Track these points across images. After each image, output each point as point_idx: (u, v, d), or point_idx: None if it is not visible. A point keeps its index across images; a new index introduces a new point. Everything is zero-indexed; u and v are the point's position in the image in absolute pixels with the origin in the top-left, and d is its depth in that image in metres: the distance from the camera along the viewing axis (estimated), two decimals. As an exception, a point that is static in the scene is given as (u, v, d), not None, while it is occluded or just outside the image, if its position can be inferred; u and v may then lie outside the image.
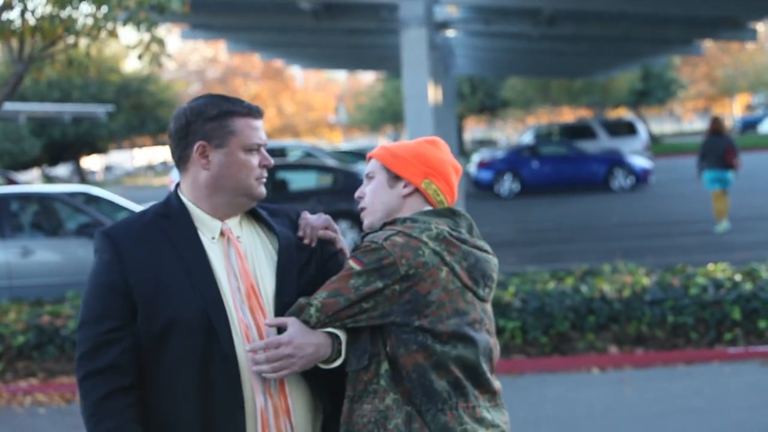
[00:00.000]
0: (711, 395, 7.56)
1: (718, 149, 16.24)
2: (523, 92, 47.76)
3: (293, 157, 26.30)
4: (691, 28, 22.56)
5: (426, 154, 2.99)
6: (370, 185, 3.02)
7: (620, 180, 26.95)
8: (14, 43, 9.39)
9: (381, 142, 72.82)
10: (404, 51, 15.07)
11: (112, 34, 9.21)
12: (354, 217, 16.22)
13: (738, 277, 9.04)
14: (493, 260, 2.99)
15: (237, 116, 2.82)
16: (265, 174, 2.89)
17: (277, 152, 25.51)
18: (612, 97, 45.86)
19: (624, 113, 55.22)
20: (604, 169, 27.14)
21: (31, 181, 42.73)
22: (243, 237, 2.89)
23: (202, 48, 62.15)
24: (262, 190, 2.88)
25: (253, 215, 2.96)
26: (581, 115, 55.24)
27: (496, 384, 2.94)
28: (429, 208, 2.98)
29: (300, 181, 17.10)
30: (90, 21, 9.11)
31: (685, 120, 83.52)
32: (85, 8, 9.18)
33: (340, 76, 73.72)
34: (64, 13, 9.01)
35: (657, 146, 46.84)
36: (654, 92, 51.44)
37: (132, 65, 54.90)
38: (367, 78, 66.53)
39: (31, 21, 9.11)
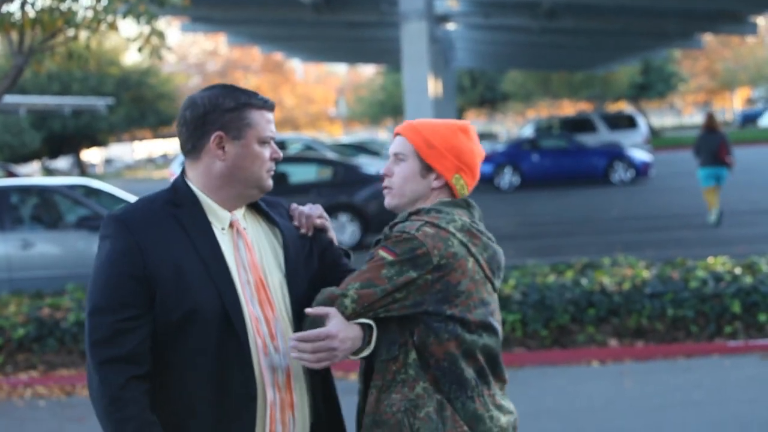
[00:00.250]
0: (711, 388, 7.56)
1: (711, 146, 16.26)
2: (523, 85, 47.77)
3: (293, 150, 26.29)
4: (691, 21, 22.55)
5: (460, 148, 3.00)
6: (401, 168, 3.00)
7: (620, 173, 26.94)
8: (14, 35, 9.38)
9: (381, 135, 72.76)
10: (404, 44, 15.07)
11: (112, 26, 9.19)
12: (353, 210, 16.22)
13: (738, 271, 9.04)
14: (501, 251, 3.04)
15: (253, 109, 2.83)
16: (274, 166, 2.89)
17: (278, 145, 25.33)
18: (612, 91, 45.86)
19: (624, 106, 55.19)
20: (604, 163, 27.14)
21: (31, 174, 42.72)
22: (248, 228, 2.89)
23: (202, 41, 62.13)
24: (271, 182, 2.88)
25: (254, 207, 2.96)
26: (581, 109, 55.25)
27: (506, 374, 2.99)
28: (449, 198, 3.00)
29: (300, 174, 17.09)
30: (90, 13, 9.09)
31: (685, 113, 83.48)
32: (85, 1, 9.19)
33: (340, 69, 73.70)
34: (64, 6, 9.00)
35: (657, 140, 46.82)
36: (654, 86, 51.44)
37: (132, 58, 54.88)
38: (368, 71, 66.54)
39: (31, 13, 9.09)
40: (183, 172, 2.89)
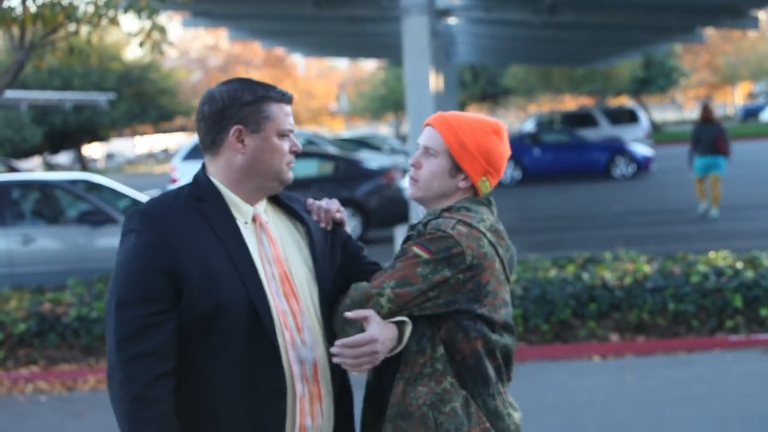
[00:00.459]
0: (712, 383, 7.56)
1: (709, 136, 16.34)
2: (524, 80, 47.68)
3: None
4: (693, 15, 22.50)
5: (492, 151, 2.98)
6: (430, 164, 2.98)
7: (622, 168, 26.94)
8: (15, 30, 9.37)
9: (382, 130, 72.74)
10: (405, 39, 15.03)
11: (113, 21, 9.19)
12: (355, 205, 16.22)
13: (739, 265, 9.03)
14: None
15: (272, 102, 2.83)
16: (294, 159, 2.89)
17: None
18: (613, 85, 45.79)
19: (625, 101, 55.13)
20: (605, 157, 27.14)
21: (33, 169, 42.71)
22: (270, 222, 2.89)
23: (203, 36, 62.03)
24: (291, 175, 2.89)
25: (274, 200, 2.96)
26: (583, 103, 55.15)
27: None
28: (473, 195, 3.01)
29: (301, 168, 17.05)
30: (91, 8, 9.10)
31: (686, 108, 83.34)
32: (86, -5, 9.17)
33: (341, 64, 73.60)
34: (65, 1, 9.00)
35: (658, 134, 46.76)
36: (656, 80, 51.35)
37: (133, 53, 54.94)
38: (369, 66, 66.44)
39: (32, 8, 9.09)
40: (203, 166, 2.88)
